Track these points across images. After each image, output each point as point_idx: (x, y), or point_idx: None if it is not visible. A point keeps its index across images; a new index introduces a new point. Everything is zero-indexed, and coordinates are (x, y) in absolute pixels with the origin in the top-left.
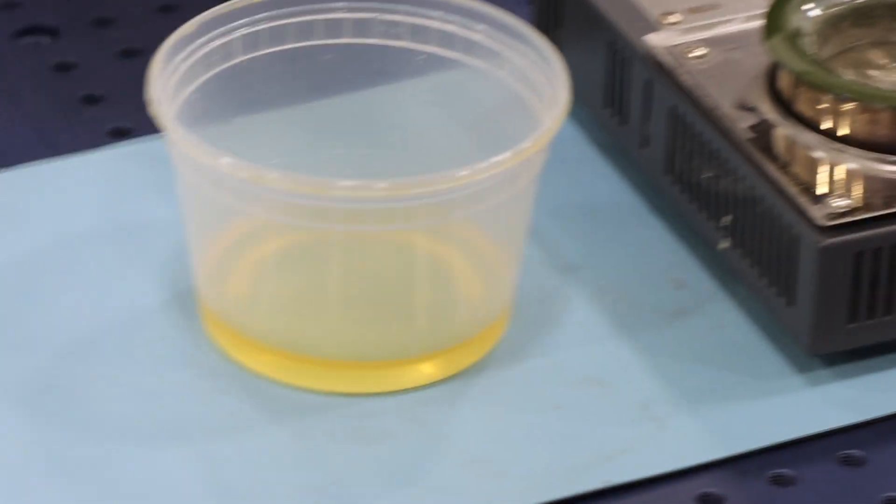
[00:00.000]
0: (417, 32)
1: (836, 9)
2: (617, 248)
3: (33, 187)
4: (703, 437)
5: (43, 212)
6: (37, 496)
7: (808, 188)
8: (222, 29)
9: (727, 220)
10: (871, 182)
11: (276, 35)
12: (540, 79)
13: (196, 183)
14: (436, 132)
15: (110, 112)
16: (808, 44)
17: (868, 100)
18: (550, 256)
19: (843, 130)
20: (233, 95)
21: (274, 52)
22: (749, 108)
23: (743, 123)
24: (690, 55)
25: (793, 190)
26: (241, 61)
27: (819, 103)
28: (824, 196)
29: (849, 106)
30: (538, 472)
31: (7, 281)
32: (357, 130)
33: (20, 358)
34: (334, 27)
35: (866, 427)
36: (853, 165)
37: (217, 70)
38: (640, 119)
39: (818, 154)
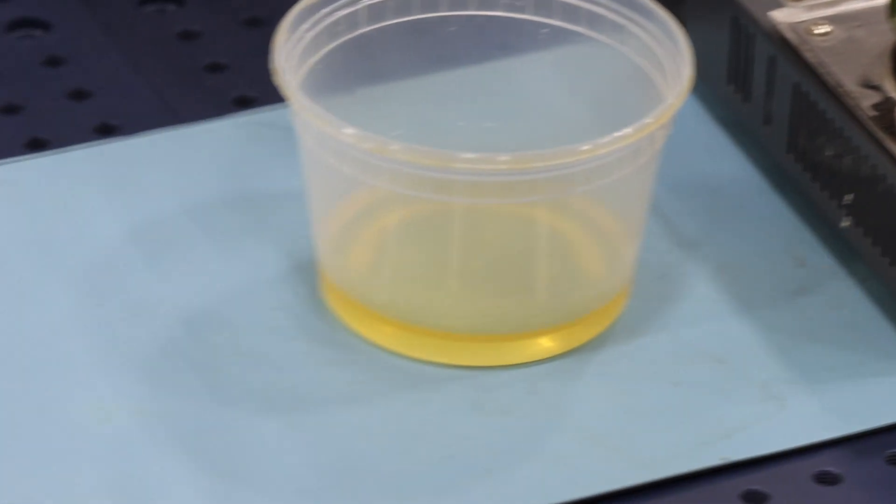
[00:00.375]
0: (541, 5)
1: None
2: (738, 224)
3: (156, 155)
4: (821, 415)
5: (165, 180)
6: (155, 461)
7: None
8: None
9: (849, 198)
10: None
11: (402, 5)
12: (663, 54)
13: (319, 153)
14: (558, 106)
15: (234, 81)
16: None
17: None
18: (671, 232)
19: None
20: (357, 66)
21: (399, 22)
22: (873, 87)
23: (866, 101)
24: (815, 32)
25: None
26: (366, 32)
27: None
28: None
29: None
30: (656, 448)
31: (129, 248)
32: (480, 103)
33: (141, 325)
34: None
35: None
36: None
37: (341, 40)
38: (764, 96)
39: None
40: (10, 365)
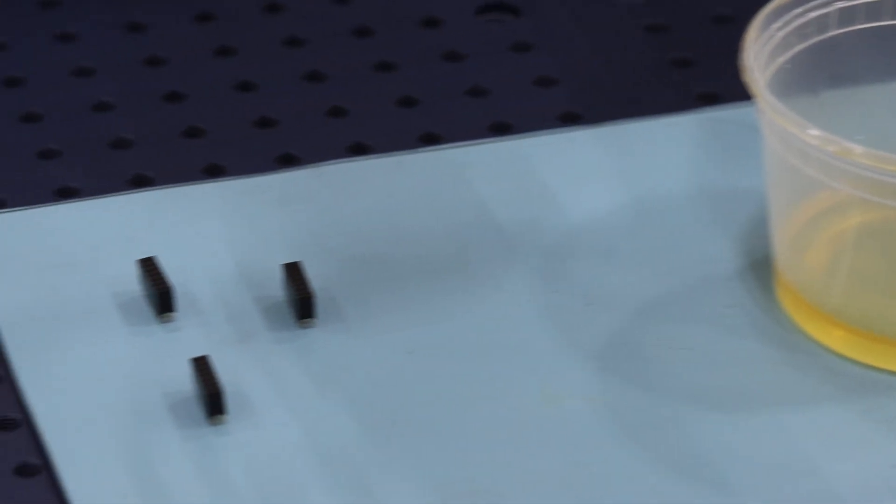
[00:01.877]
0: None
1: None
2: None
3: (620, 147)
4: None
5: (627, 171)
6: (600, 449)
7: None
8: (820, 1)
9: None
10: None
11: (873, 11)
12: None
13: (782, 153)
14: None
15: (700, 76)
16: None
17: None
18: None
19: None
20: (823, 68)
21: (868, 27)
22: None
23: None
24: None
25: None
26: (835, 35)
27: None
28: None
29: None
30: None
31: (587, 236)
32: None
33: (594, 314)
34: None
35: None
36: None
37: (810, 42)
38: None
39: None
40: (466, 345)
